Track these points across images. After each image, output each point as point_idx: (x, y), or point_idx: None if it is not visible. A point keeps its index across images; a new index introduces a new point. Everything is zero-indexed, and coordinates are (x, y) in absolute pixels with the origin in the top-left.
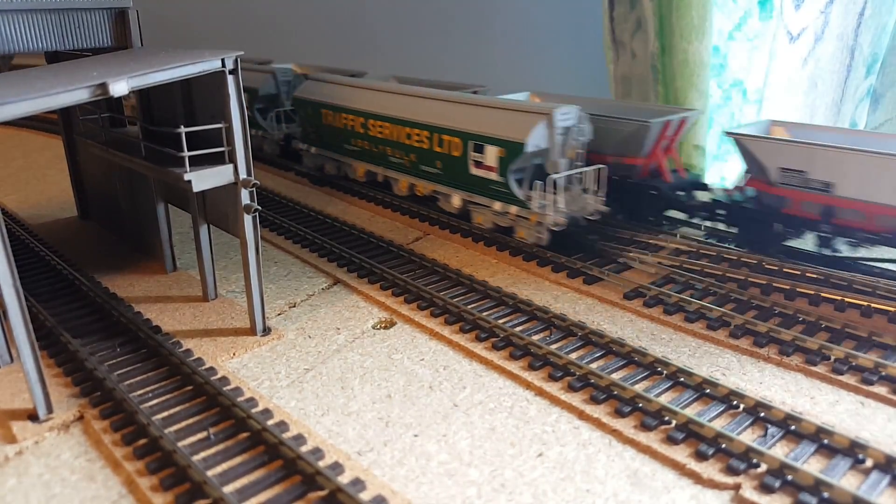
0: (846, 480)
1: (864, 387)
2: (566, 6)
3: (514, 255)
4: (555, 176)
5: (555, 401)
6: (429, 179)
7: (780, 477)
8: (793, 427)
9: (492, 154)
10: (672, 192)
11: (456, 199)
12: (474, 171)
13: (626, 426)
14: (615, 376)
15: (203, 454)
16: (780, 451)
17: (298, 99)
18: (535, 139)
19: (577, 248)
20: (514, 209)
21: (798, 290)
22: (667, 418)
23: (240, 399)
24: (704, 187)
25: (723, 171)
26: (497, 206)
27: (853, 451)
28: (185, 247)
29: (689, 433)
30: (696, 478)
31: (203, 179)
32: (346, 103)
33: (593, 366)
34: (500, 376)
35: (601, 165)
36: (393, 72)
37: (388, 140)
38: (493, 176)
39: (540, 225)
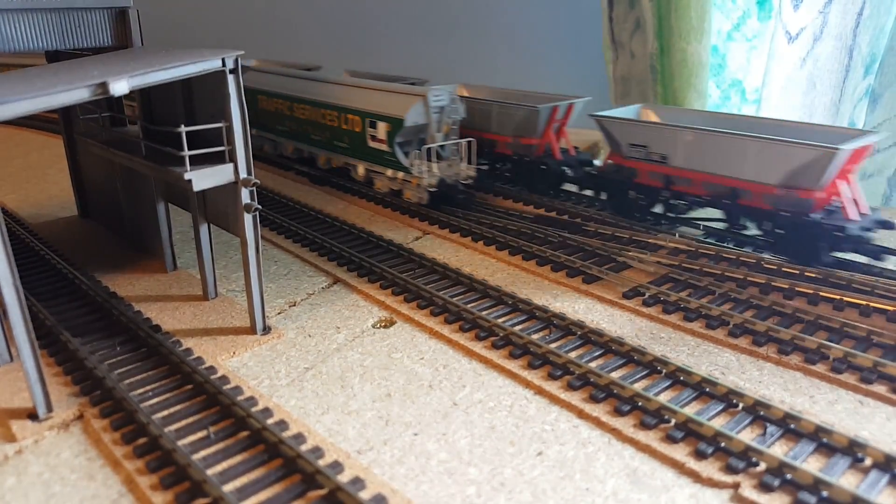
0: (845, 479)
1: (864, 385)
2: (565, 6)
3: (513, 254)
4: (429, 145)
5: (554, 399)
6: (340, 153)
7: (780, 476)
8: (792, 426)
9: (382, 129)
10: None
11: (360, 169)
12: (371, 143)
13: (625, 425)
14: (614, 375)
15: (203, 453)
16: (779, 449)
17: None
18: (414, 116)
19: (450, 205)
20: (401, 175)
21: (797, 289)
22: (666, 417)
23: (239, 398)
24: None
25: None
26: (389, 172)
27: (852, 450)
28: (185, 246)
29: (689, 432)
30: (696, 476)
31: (203, 178)
32: (277, 89)
33: (592, 364)
34: (500, 375)
35: (471, 139)
36: (388, 71)
37: (309, 121)
38: (384, 147)
39: (419, 187)
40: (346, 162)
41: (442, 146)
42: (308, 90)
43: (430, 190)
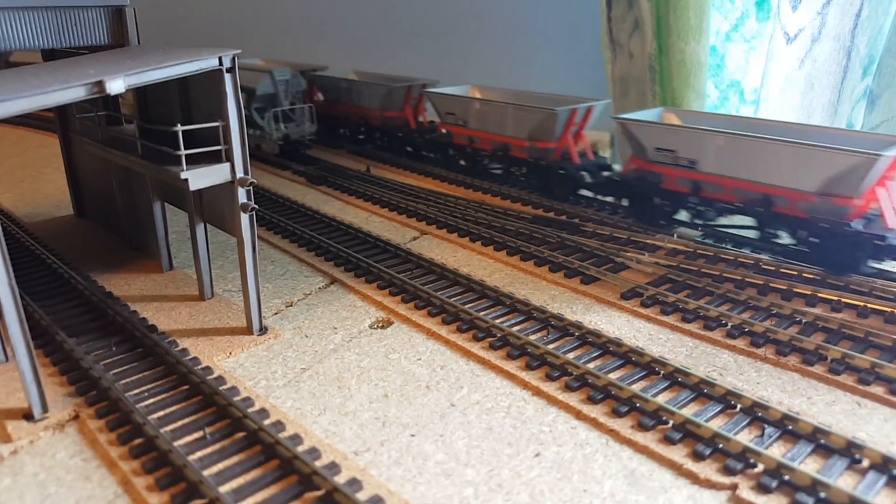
0: (843, 480)
1: (861, 387)
2: (563, 6)
3: (511, 254)
4: (274, 109)
5: (552, 400)
6: None
7: (777, 477)
8: (790, 427)
9: (242, 98)
10: None
11: None
12: None
13: (623, 426)
14: (612, 376)
15: (199, 454)
16: (776, 451)
17: None
18: (263, 87)
19: (295, 156)
20: (258, 132)
21: (795, 290)
22: (664, 418)
23: (236, 398)
24: None
25: None
26: (250, 131)
27: (850, 452)
28: (181, 245)
29: (687, 433)
30: (693, 478)
31: (200, 178)
32: None
33: (590, 365)
34: (498, 376)
35: (310, 105)
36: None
37: None
38: (245, 112)
39: (271, 141)
40: None
41: (292, 110)
42: None
43: (279, 143)
